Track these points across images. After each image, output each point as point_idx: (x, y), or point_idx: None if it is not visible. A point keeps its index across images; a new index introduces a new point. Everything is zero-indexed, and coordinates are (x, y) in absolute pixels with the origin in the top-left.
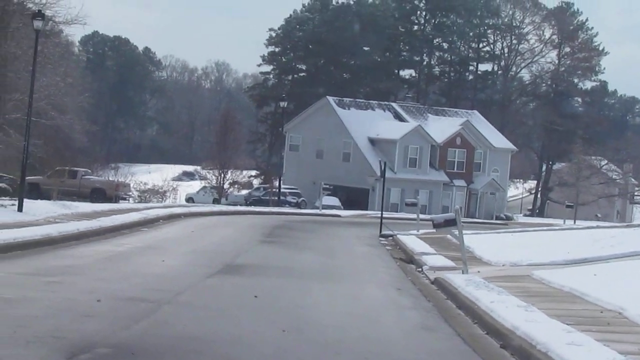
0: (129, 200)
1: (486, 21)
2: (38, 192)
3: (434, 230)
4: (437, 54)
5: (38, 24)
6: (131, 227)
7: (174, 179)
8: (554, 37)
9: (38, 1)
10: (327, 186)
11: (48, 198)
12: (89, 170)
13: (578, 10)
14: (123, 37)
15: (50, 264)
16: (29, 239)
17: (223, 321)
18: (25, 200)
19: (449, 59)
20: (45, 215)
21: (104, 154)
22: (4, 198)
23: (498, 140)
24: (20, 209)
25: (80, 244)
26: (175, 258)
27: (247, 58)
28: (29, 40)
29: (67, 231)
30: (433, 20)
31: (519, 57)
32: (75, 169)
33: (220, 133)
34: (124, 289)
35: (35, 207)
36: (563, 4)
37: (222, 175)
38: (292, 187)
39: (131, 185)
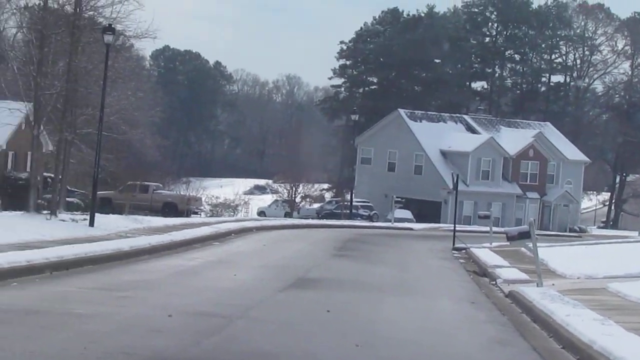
0: (200, 214)
1: (558, 32)
2: (110, 207)
3: (508, 243)
4: (509, 65)
5: (108, 38)
6: (203, 241)
7: (245, 193)
8: (627, 47)
9: (108, 15)
10: (399, 199)
11: (120, 213)
12: (161, 185)
13: None
14: (194, 51)
15: (122, 279)
16: (100, 253)
17: (295, 336)
18: (97, 214)
19: (521, 70)
20: (116, 230)
21: (176, 169)
22: (75, 213)
23: (571, 152)
24: (91, 224)
25: (152, 258)
26: (247, 272)
27: (318, 71)
28: (100, 54)
29: (138, 245)
30: (505, 32)
31: (591, 69)
32: (147, 183)
33: (291, 146)
34: (195, 303)
35: (107, 222)
36: (636, 14)
37: (294, 188)
38: (364, 200)
39: (203, 199)
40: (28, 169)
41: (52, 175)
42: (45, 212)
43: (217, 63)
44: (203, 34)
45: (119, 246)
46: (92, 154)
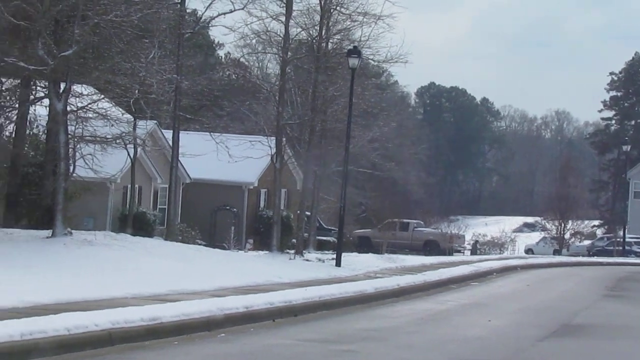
0: (463, 252)
1: None
2: (369, 246)
3: None
4: None
5: (354, 61)
6: (459, 281)
7: (514, 231)
8: None
9: (357, 39)
10: None
11: (379, 251)
12: (422, 222)
13: None
14: (460, 87)
15: (353, 327)
16: (338, 297)
17: None
18: (350, 253)
19: None
20: (365, 270)
21: (442, 206)
22: (327, 252)
23: None
24: (338, 264)
25: (398, 301)
26: (503, 317)
27: (588, 105)
28: (347, 82)
29: (384, 287)
30: None
31: None
32: (407, 221)
33: (560, 183)
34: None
35: (357, 261)
36: None
37: (563, 225)
38: (638, 236)
39: (466, 237)
40: (282, 207)
41: (308, 213)
42: (290, 251)
43: (484, 99)
44: (468, 71)
45: (361, 288)
46: (352, 191)
